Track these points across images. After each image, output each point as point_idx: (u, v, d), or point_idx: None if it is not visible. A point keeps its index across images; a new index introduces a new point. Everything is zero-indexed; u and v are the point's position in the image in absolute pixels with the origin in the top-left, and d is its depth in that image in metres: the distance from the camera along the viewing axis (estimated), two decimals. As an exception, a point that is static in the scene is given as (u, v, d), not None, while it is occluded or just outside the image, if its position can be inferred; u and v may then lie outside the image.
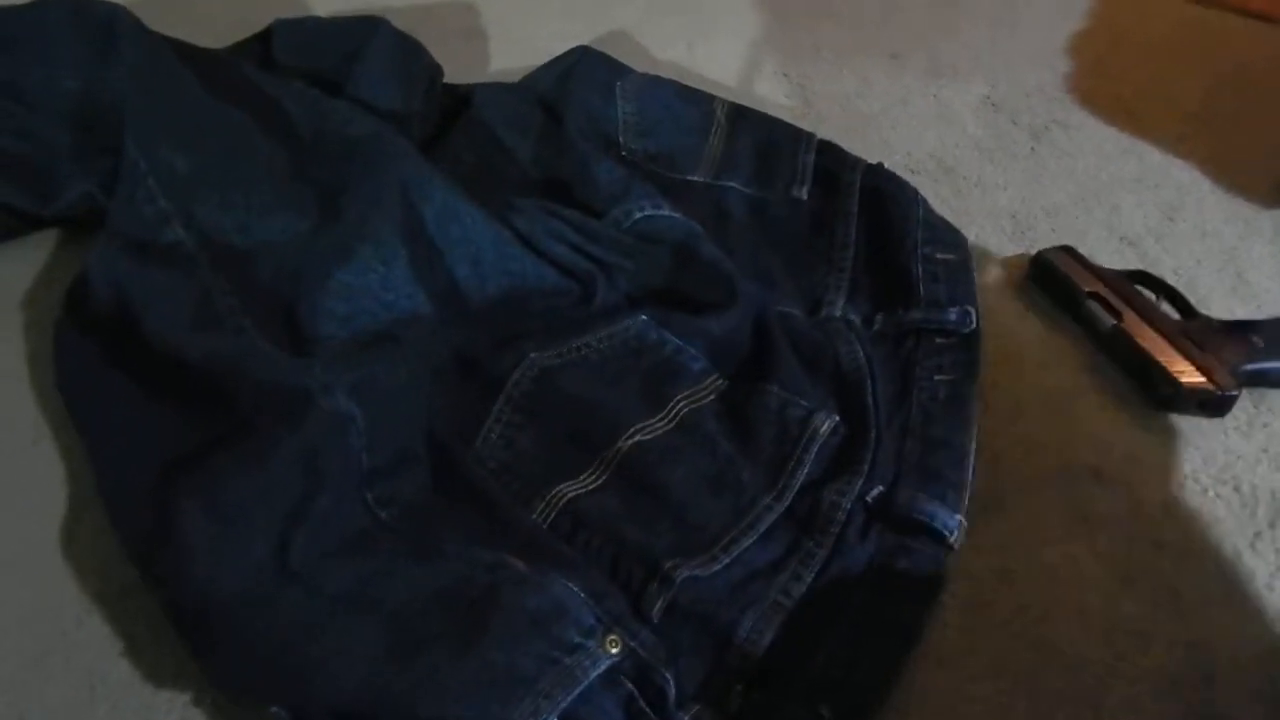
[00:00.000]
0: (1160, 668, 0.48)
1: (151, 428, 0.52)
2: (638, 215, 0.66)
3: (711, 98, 0.78)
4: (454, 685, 0.42)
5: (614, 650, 0.45)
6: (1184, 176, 0.78)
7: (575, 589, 0.47)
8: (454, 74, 0.80)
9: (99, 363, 0.57)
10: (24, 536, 0.53)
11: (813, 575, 0.50)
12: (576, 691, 0.43)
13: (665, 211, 0.66)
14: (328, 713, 0.43)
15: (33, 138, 0.66)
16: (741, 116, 0.77)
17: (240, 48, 0.79)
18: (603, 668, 0.44)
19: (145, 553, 0.48)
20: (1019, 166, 0.79)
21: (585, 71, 0.76)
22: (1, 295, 0.66)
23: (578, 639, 0.45)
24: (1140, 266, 0.68)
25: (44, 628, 0.49)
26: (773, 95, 0.86)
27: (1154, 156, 0.80)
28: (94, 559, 0.52)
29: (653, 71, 0.80)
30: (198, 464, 0.48)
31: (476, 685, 0.42)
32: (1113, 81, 0.88)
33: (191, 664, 0.46)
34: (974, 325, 0.62)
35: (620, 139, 0.74)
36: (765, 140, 0.75)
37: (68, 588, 0.51)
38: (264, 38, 0.78)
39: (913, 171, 0.78)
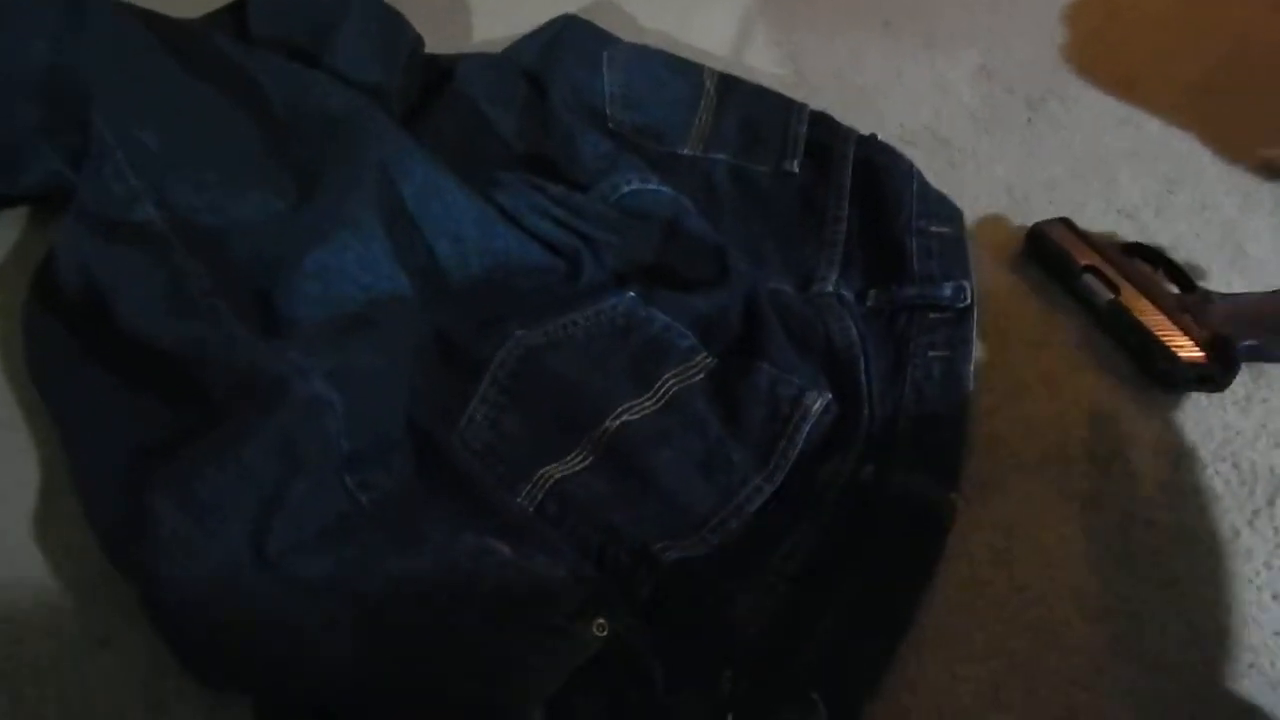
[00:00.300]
0: (1157, 649, 0.47)
1: (123, 415, 0.51)
2: (625, 189, 0.65)
3: (701, 68, 0.76)
4: (437, 673, 0.41)
5: (601, 635, 0.44)
6: (1183, 148, 0.76)
7: (561, 572, 0.46)
8: (436, 45, 0.77)
9: (69, 347, 0.55)
10: (-5, 525, 0.51)
11: (804, 557, 0.49)
12: (562, 678, 0.42)
13: (653, 186, 0.65)
14: (309, 702, 0.42)
15: (-2, 112, 0.63)
16: (731, 88, 0.75)
17: (214, 18, 0.77)
18: (590, 653, 0.43)
19: (118, 543, 0.46)
20: (1015, 138, 0.77)
21: (571, 41, 0.74)
22: (-32, 277, 0.64)
23: (564, 624, 0.44)
24: (1139, 238, 0.67)
25: (17, 616, 0.48)
26: (764, 66, 0.84)
27: (1153, 128, 0.78)
28: (68, 547, 0.50)
29: (641, 41, 0.78)
30: (170, 453, 0.47)
31: (460, 672, 0.41)
32: (1111, 51, 0.86)
33: (168, 653, 0.45)
34: (969, 301, 0.61)
35: (607, 111, 0.72)
36: (756, 112, 0.73)
37: (41, 576, 0.49)
38: (239, 7, 0.75)
39: (907, 143, 0.76)
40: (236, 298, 0.54)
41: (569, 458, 0.52)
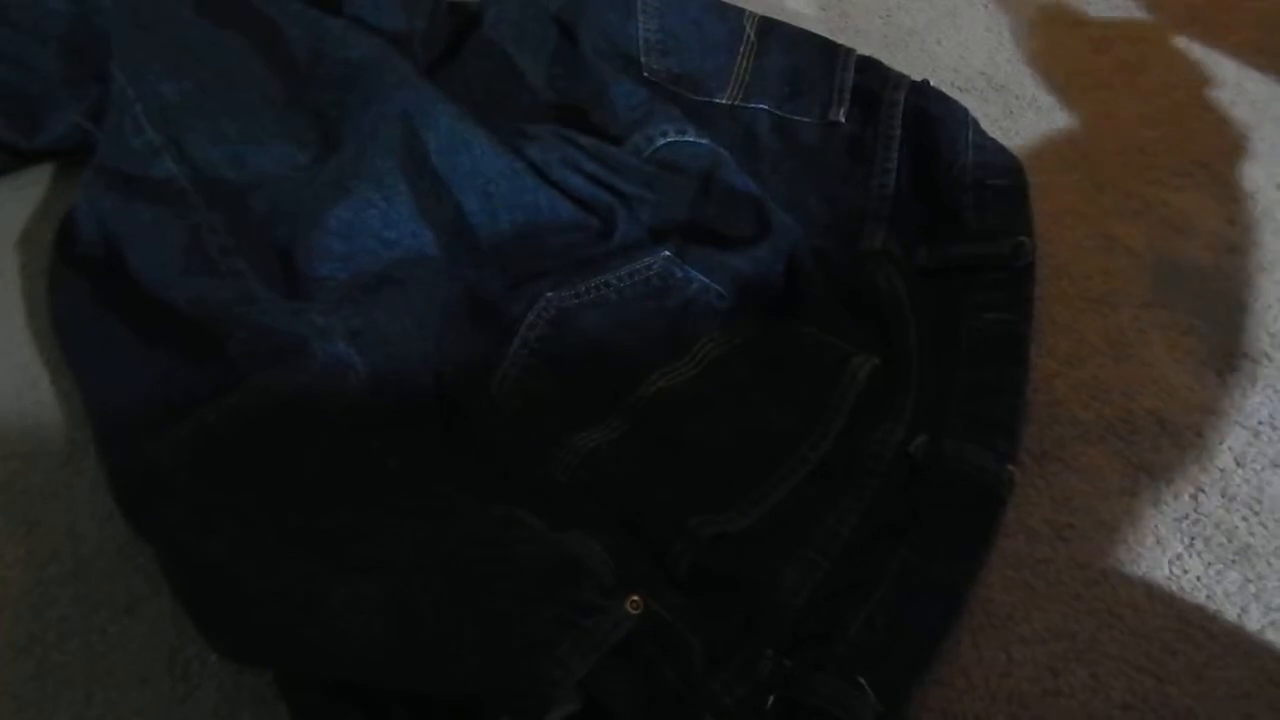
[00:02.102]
0: (1230, 632, 0.44)
1: (142, 375, 0.49)
2: (660, 142, 0.61)
3: (741, 12, 0.71)
4: (464, 651, 0.40)
5: (636, 612, 0.42)
6: (1261, 91, 0.70)
7: (595, 546, 0.44)
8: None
9: (91, 304, 0.54)
10: (20, 485, 0.50)
11: (850, 532, 0.46)
12: (596, 658, 0.40)
13: (690, 137, 0.61)
14: (331, 677, 0.41)
15: (18, 62, 0.62)
16: (773, 32, 0.71)
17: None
18: (624, 631, 0.41)
19: (135, 508, 0.45)
20: (1079, 84, 0.72)
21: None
22: (-4, 234, 0.63)
23: (597, 600, 0.42)
24: (1213, 191, 0.62)
25: (40, 582, 0.47)
26: (805, 8, 0.79)
27: (1229, 69, 0.72)
28: (94, 512, 0.49)
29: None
30: (186, 416, 0.45)
31: (488, 651, 0.40)
32: (1184, -13, 0.80)
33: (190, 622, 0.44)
34: (1028, 259, 0.57)
35: (641, 58, 0.68)
36: (799, 58, 0.69)
37: (66, 541, 0.48)
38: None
39: (961, 90, 0.71)
40: (257, 255, 0.52)
41: (602, 425, 0.50)
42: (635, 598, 0.42)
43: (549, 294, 0.54)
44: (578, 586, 0.42)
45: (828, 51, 0.69)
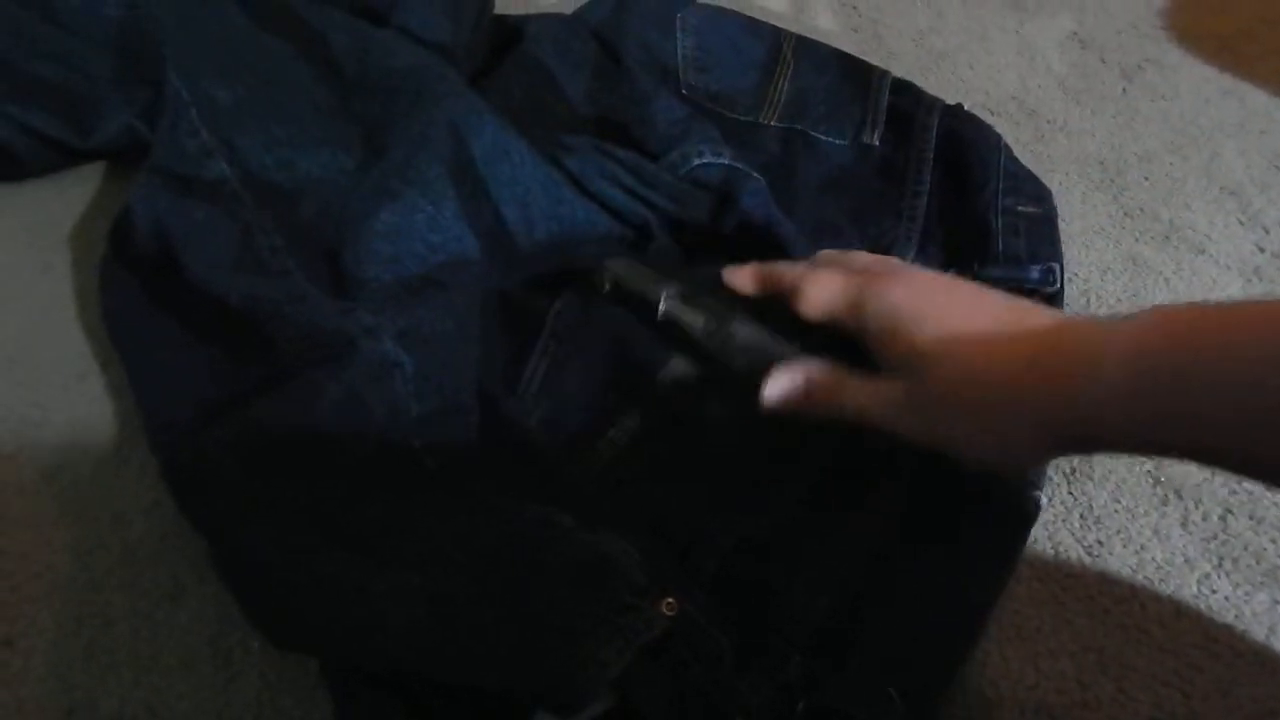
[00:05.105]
0: (1257, 651, 0.44)
1: (192, 370, 0.51)
2: (695, 162, 0.62)
3: (778, 31, 0.73)
4: (501, 645, 0.41)
5: (670, 614, 0.43)
6: (1292, 122, 0.71)
7: (627, 546, 0.45)
8: (504, 6, 0.76)
9: (142, 300, 0.55)
10: (69, 475, 0.52)
11: (873, 542, 0.47)
12: (630, 655, 0.41)
13: (725, 161, 0.62)
14: (371, 667, 0.42)
15: (72, 64, 0.63)
16: (809, 53, 0.72)
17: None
18: (658, 630, 0.42)
19: (186, 498, 0.46)
20: (1109, 109, 0.73)
21: (642, 1, 0.72)
22: (49, 229, 0.65)
23: (630, 599, 0.43)
24: (1241, 218, 0.63)
25: (89, 568, 0.48)
26: (839, 29, 0.80)
27: (1259, 99, 0.73)
28: (140, 501, 0.51)
29: (712, 2, 0.75)
30: (236, 411, 0.46)
31: (526, 647, 0.40)
32: (1214, 16, 0.81)
33: (236, 610, 0.45)
34: (1057, 284, 0.58)
35: (680, 76, 0.70)
36: (835, 80, 0.70)
37: (114, 529, 0.50)
38: (307, -35, 0.75)
39: (991, 113, 0.72)
40: (305, 256, 0.54)
41: (627, 421, 0.51)
42: (670, 600, 0.43)
43: (575, 284, 0.55)
44: (612, 586, 0.43)
45: (863, 73, 0.70)
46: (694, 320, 0.50)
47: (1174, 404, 0.32)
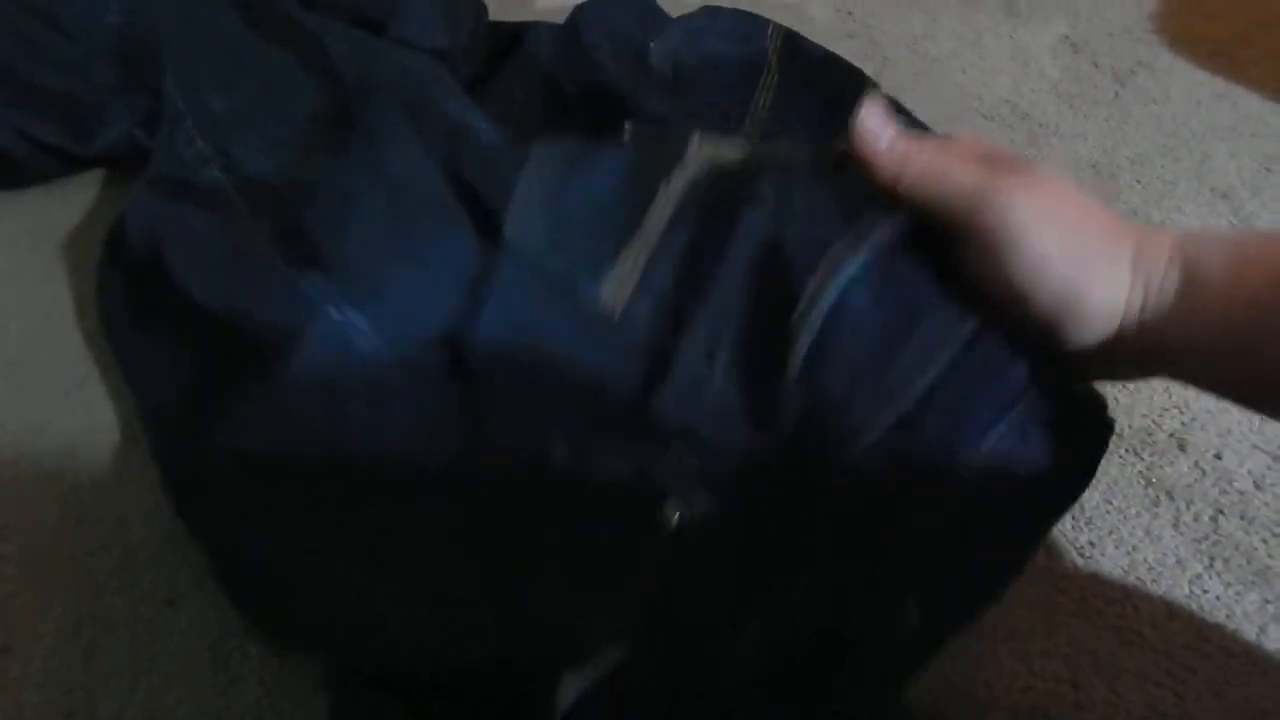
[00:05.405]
0: (1249, 651, 0.45)
1: (186, 375, 0.51)
2: None
3: (765, 34, 0.72)
4: (500, 635, 0.41)
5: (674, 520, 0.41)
6: (1284, 125, 0.72)
7: (616, 532, 0.45)
8: (502, 12, 0.76)
9: (137, 306, 0.56)
10: (70, 480, 0.52)
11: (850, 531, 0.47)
12: (642, 583, 0.40)
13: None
14: (371, 663, 0.42)
15: (73, 71, 0.64)
16: (796, 59, 0.72)
17: (281, -17, 0.76)
18: (669, 549, 0.41)
19: (184, 503, 0.47)
20: (1101, 113, 0.73)
21: (625, 13, 0.72)
22: (48, 236, 0.65)
23: (637, 521, 0.42)
24: (1233, 220, 0.63)
25: (89, 573, 0.49)
26: (833, 34, 0.81)
27: (1251, 102, 0.74)
28: (140, 506, 0.51)
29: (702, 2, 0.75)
30: (227, 414, 0.46)
31: (526, 634, 0.41)
32: (1206, 20, 0.81)
33: (235, 614, 0.45)
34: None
35: (657, 91, 0.70)
36: (823, 88, 0.70)
37: (114, 534, 0.50)
38: (305, -27, 0.75)
39: (985, 117, 0.73)
40: (297, 260, 0.53)
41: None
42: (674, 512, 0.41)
43: None
44: (618, 513, 0.42)
45: (851, 86, 0.70)
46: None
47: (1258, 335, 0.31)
